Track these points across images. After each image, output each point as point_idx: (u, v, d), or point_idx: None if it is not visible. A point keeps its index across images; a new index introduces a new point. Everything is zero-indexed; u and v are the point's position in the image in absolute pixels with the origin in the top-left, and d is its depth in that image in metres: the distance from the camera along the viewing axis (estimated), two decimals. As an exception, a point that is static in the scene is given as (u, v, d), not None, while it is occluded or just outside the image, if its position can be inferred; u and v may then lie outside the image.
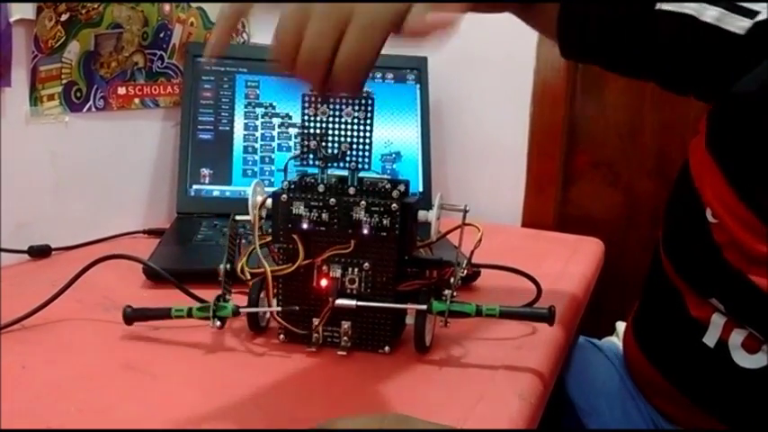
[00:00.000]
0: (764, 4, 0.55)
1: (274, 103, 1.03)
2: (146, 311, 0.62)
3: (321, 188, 0.58)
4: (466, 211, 0.60)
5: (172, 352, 0.59)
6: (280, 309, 0.59)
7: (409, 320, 0.60)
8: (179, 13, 1.02)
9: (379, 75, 1.07)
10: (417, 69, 1.08)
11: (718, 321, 0.60)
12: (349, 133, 0.57)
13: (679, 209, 0.64)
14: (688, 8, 0.59)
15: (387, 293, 0.58)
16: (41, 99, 0.83)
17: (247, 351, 0.60)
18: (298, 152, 0.59)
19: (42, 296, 0.65)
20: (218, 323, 0.59)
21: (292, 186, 0.59)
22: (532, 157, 1.20)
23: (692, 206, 0.60)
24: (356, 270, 0.58)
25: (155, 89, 1.00)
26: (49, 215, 0.86)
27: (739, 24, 0.56)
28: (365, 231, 0.57)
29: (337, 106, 0.57)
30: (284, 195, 0.58)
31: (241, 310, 0.60)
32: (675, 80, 0.65)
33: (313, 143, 0.58)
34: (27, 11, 0.78)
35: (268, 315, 0.63)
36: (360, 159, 0.58)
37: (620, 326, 0.89)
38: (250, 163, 1.02)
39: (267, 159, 1.02)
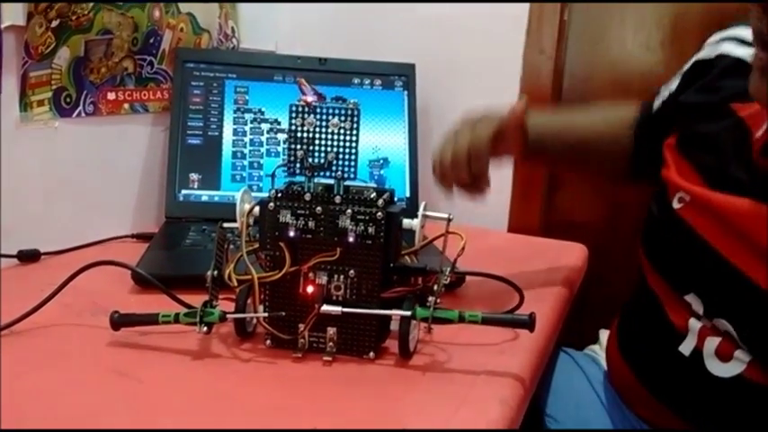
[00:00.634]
0: None
1: (263, 109, 1.04)
2: (133, 317, 0.62)
3: (308, 197, 0.59)
4: (449, 220, 0.62)
5: (159, 357, 0.60)
6: (266, 315, 0.60)
7: (394, 326, 0.62)
8: (169, 18, 1.02)
9: (367, 81, 1.08)
10: (405, 76, 1.10)
11: (694, 327, 0.62)
12: (335, 143, 0.59)
13: (651, 207, 0.72)
14: None
15: (372, 300, 0.60)
16: (31, 105, 0.83)
17: (234, 356, 0.61)
18: (285, 161, 0.60)
19: (31, 301, 0.65)
20: (205, 329, 0.60)
21: (279, 195, 0.60)
22: (518, 163, 1.21)
23: (661, 200, 0.68)
24: (342, 277, 0.60)
25: (144, 94, 1.01)
26: (39, 219, 0.87)
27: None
28: (351, 239, 0.58)
29: (324, 117, 0.58)
30: (271, 204, 0.59)
31: (228, 315, 0.61)
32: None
33: (300, 152, 0.59)
34: (17, 17, 0.79)
35: (255, 321, 0.63)
36: (346, 168, 0.59)
37: (603, 334, 0.90)
38: (239, 168, 1.03)
39: (256, 165, 1.03)
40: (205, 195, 1.01)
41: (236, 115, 1.04)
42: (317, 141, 0.59)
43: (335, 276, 0.60)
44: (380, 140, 1.07)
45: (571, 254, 1.03)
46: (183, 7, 1.05)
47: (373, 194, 0.59)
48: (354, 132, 0.58)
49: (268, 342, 0.62)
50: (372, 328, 0.60)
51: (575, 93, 1.22)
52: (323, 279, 0.60)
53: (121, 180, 1.00)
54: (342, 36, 1.25)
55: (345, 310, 0.59)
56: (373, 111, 1.07)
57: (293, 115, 0.59)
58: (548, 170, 0.84)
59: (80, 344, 0.62)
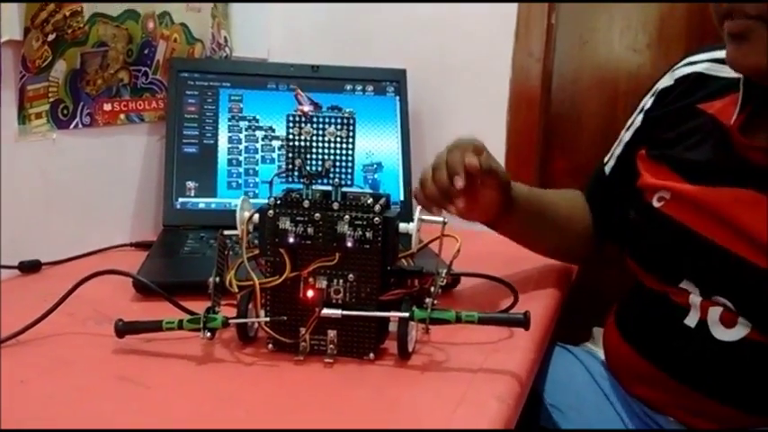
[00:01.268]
0: None
1: (257, 117, 1.06)
2: (137, 324, 0.64)
3: (306, 204, 0.60)
4: (444, 223, 0.63)
5: (164, 363, 0.62)
6: (268, 319, 0.62)
7: (392, 328, 0.63)
8: (162, 29, 1.04)
9: (359, 87, 1.10)
10: (396, 82, 1.11)
11: (695, 302, 0.67)
12: (332, 151, 0.60)
13: (629, 215, 0.78)
14: None
15: (370, 303, 0.61)
16: (29, 117, 0.85)
17: (237, 361, 0.62)
18: (282, 169, 0.62)
19: (35, 311, 0.66)
20: (209, 334, 0.62)
21: (278, 202, 0.61)
22: (510, 164, 1.23)
23: (639, 204, 0.74)
24: (341, 281, 0.61)
25: (140, 104, 1.02)
26: (39, 230, 0.88)
27: None
28: (349, 244, 0.60)
29: (321, 126, 0.60)
30: (271, 211, 0.61)
31: (230, 321, 0.62)
32: None
33: (298, 161, 0.60)
34: (15, 32, 0.80)
35: (256, 325, 0.65)
36: (342, 175, 0.61)
37: (597, 331, 0.92)
38: (234, 175, 1.04)
39: (251, 171, 1.05)
40: (202, 203, 1.02)
41: (230, 123, 1.05)
42: (314, 150, 0.60)
43: (335, 280, 0.61)
44: (374, 145, 1.08)
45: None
46: (177, 17, 1.06)
47: (370, 200, 0.61)
48: (350, 140, 0.60)
49: (270, 346, 0.63)
50: (371, 330, 0.62)
51: (563, 94, 1.24)
52: (322, 283, 0.61)
53: (119, 189, 1.01)
54: (333, 43, 1.26)
55: (345, 312, 0.61)
56: (366, 116, 1.09)
57: (290, 125, 0.60)
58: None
59: (86, 352, 0.63)
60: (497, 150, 1.21)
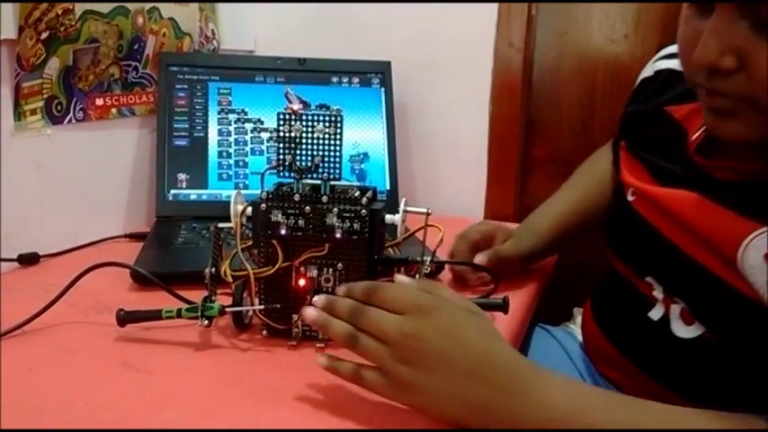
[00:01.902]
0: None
1: (246, 109, 1.09)
2: (138, 314, 0.67)
3: (297, 197, 0.64)
4: (428, 214, 0.67)
5: (164, 350, 0.65)
6: (262, 307, 0.65)
7: (380, 313, 0.67)
8: (152, 24, 1.06)
9: (345, 80, 1.13)
10: (381, 73, 1.14)
11: (659, 297, 0.70)
12: (321, 147, 0.63)
13: (612, 201, 0.80)
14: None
15: (359, 290, 0.65)
16: (25, 114, 0.87)
17: (234, 347, 0.66)
18: (273, 164, 0.65)
19: (36, 302, 0.69)
20: (206, 322, 0.65)
21: (270, 196, 0.64)
22: (492, 153, 1.27)
23: (618, 196, 0.75)
24: (330, 270, 0.65)
25: (131, 98, 1.05)
26: (36, 223, 0.91)
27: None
28: (338, 235, 0.63)
29: (310, 123, 0.63)
30: (263, 204, 0.64)
31: (227, 309, 0.66)
32: None
33: (288, 157, 0.64)
34: (9, 31, 0.83)
35: (251, 313, 0.68)
36: (331, 170, 0.64)
37: (578, 312, 0.97)
38: (225, 167, 1.07)
39: (241, 163, 1.08)
40: (193, 194, 1.05)
41: (220, 116, 1.08)
42: (303, 146, 0.64)
43: (325, 270, 0.65)
44: (360, 136, 1.12)
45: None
46: (165, 12, 1.08)
47: (357, 193, 0.65)
48: (338, 137, 0.63)
49: (264, 332, 0.67)
50: (360, 316, 0.65)
51: (544, 83, 1.28)
52: (313, 272, 0.65)
53: (112, 182, 1.04)
54: (319, 36, 1.29)
55: (335, 300, 0.64)
56: (352, 108, 1.12)
57: (281, 122, 0.63)
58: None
59: (89, 340, 0.66)
60: (480, 140, 1.25)
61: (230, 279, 0.66)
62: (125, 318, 0.67)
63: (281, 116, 0.63)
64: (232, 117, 1.08)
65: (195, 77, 1.08)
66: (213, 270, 0.67)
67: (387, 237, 0.69)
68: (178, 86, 1.07)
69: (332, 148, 0.63)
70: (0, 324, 0.67)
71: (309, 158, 0.64)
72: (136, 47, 1.04)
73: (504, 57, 1.23)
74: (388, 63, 1.15)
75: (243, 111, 1.09)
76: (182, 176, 1.05)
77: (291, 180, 0.65)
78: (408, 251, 0.71)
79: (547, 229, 0.90)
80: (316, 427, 0.53)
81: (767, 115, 0.54)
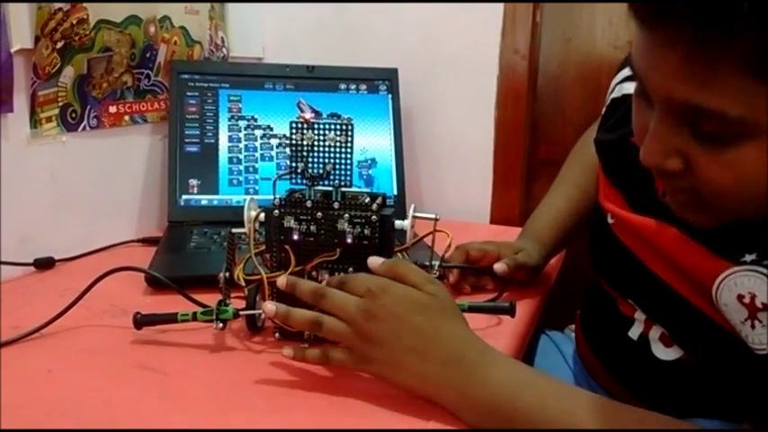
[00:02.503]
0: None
1: (256, 116, 1.11)
2: (154, 317, 0.69)
3: (309, 203, 0.65)
4: (436, 220, 0.68)
5: (180, 352, 0.67)
6: (275, 310, 0.67)
7: (389, 317, 0.68)
8: (163, 33, 1.08)
9: (353, 87, 1.14)
10: (388, 80, 1.16)
11: (640, 317, 0.70)
12: (332, 155, 0.65)
13: (593, 221, 0.79)
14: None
15: (369, 294, 0.66)
16: (40, 122, 0.89)
17: (247, 349, 0.68)
18: (285, 171, 0.67)
19: (52, 305, 0.71)
20: (221, 325, 0.67)
21: (283, 202, 0.66)
22: (498, 158, 1.28)
23: (599, 216, 0.75)
24: (341, 274, 0.66)
25: (143, 106, 1.07)
26: (51, 228, 0.93)
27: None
28: (349, 240, 0.65)
29: (321, 132, 0.65)
30: (276, 211, 0.66)
31: (240, 312, 0.67)
32: None
33: (301, 165, 0.65)
34: (26, 41, 0.85)
35: (264, 316, 0.70)
36: (342, 177, 0.66)
37: (580, 316, 0.98)
38: (235, 173, 1.09)
39: (251, 169, 1.09)
40: (204, 200, 1.07)
41: (230, 123, 1.10)
42: (315, 153, 0.65)
43: (336, 274, 0.66)
44: (367, 142, 1.13)
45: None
46: (176, 21, 1.10)
47: (367, 199, 0.66)
48: (349, 145, 0.65)
49: (277, 335, 0.68)
50: (370, 319, 0.67)
51: (548, 89, 1.29)
52: (325, 277, 0.66)
53: (125, 188, 1.06)
54: (326, 43, 1.31)
55: (346, 303, 0.66)
56: (360, 114, 1.13)
57: (294, 131, 0.65)
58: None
59: (107, 342, 0.68)
60: (486, 145, 1.27)
61: (243, 283, 0.68)
62: (142, 321, 0.68)
63: (294, 125, 0.65)
64: (242, 123, 1.10)
65: (206, 85, 1.10)
66: (227, 274, 0.69)
67: (396, 242, 0.71)
68: (189, 94, 1.09)
69: (343, 155, 0.65)
70: (17, 328, 0.69)
71: (321, 166, 0.66)
72: (148, 55, 1.06)
73: (509, 63, 1.25)
74: (395, 70, 1.17)
75: (253, 117, 1.10)
76: (193, 182, 1.07)
77: (303, 187, 0.67)
78: (417, 255, 0.73)
79: (549, 237, 0.91)
80: (328, 428, 0.55)
81: (723, 210, 0.53)
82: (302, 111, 0.64)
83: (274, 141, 1.10)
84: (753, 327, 0.56)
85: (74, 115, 0.94)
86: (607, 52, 1.24)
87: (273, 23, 1.32)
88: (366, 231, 0.65)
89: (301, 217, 0.65)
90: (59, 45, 0.89)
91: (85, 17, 0.93)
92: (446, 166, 1.30)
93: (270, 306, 0.63)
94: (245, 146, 1.10)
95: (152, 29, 1.06)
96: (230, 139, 1.09)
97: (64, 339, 0.69)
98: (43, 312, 0.70)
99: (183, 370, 0.63)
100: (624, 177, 0.71)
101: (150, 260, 0.89)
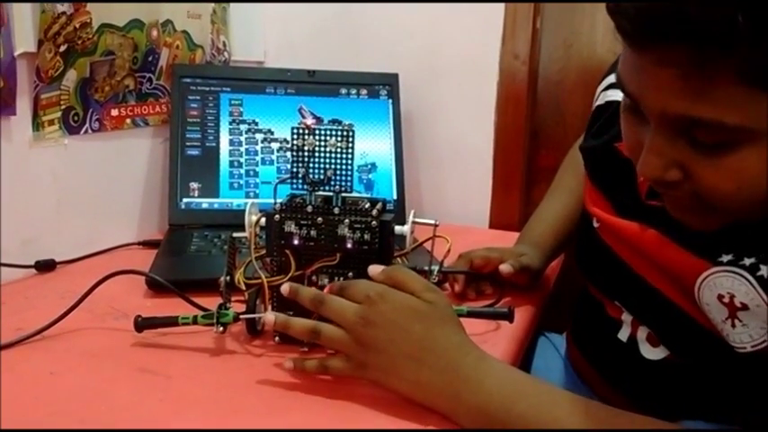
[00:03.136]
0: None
1: (257, 120, 1.11)
2: (155, 320, 0.69)
3: (309, 208, 0.66)
4: (436, 225, 0.69)
5: (181, 355, 0.67)
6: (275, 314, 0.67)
7: (389, 321, 0.69)
8: (165, 37, 1.09)
9: (353, 91, 1.15)
10: (389, 85, 1.17)
11: (627, 319, 0.71)
12: (333, 161, 0.66)
13: (580, 225, 0.80)
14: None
15: (369, 299, 0.67)
16: (43, 124, 0.90)
17: (247, 352, 0.68)
18: (286, 176, 0.67)
19: (53, 307, 0.72)
20: (221, 329, 0.67)
21: (284, 207, 0.67)
22: (498, 162, 1.29)
23: (585, 220, 0.76)
24: (341, 279, 0.67)
25: (145, 109, 1.07)
26: (53, 231, 0.93)
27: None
28: (349, 245, 0.66)
29: (322, 138, 0.65)
30: (277, 215, 0.66)
31: (241, 316, 0.68)
32: None
33: (302, 170, 0.66)
34: (29, 44, 0.85)
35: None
36: (342, 182, 0.66)
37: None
38: (236, 176, 1.09)
39: (252, 173, 1.10)
40: (205, 203, 1.08)
41: (231, 126, 1.11)
42: (316, 159, 0.66)
43: (336, 278, 0.67)
44: (368, 146, 1.14)
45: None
46: (179, 25, 1.11)
47: (368, 205, 0.67)
48: (350, 151, 0.65)
49: (276, 339, 0.69)
50: (370, 324, 0.67)
51: (548, 95, 1.30)
52: (325, 281, 0.67)
53: (127, 190, 1.06)
54: (327, 47, 1.31)
55: (346, 308, 0.66)
56: (360, 119, 1.14)
57: (295, 137, 0.65)
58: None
59: (108, 345, 0.69)
60: (485, 150, 1.28)
61: (244, 287, 0.68)
62: (143, 324, 0.69)
63: (296, 130, 0.65)
64: (243, 127, 1.11)
65: (207, 89, 1.11)
66: (228, 278, 0.69)
67: (396, 247, 0.71)
68: (191, 97, 1.10)
69: (343, 161, 0.66)
70: (19, 330, 0.69)
71: (322, 171, 0.66)
72: (150, 59, 1.06)
73: (509, 69, 1.25)
74: (396, 75, 1.18)
75: (254, 121, 1.11)
76: (194, 185, 1.07)
77: (304, 192, 0.67)
78: (417, 261, 0.73)
79: (547, 242, 0.92)
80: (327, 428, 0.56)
81: (725, 212, 0.53)
82: (304, 117, 0.65)
83: (275, 145, 1.11)
84: (733, 326, 0.57)
85: (76, 118, 0.95)
86: (607, 58, 1.25)
87: (275, 28, 1.33)
88: (366, 236, 0.65)
89: (302, 222, 0.66)
90: (62, 49, 0.90)
91: (88, 21, 0.93)
92: (446, 170, 1.30)
93: (269, 317, 0.63)
94: (246, 149, 1.10)
95: (154, 33, 1.06)
96: (231, 142, 1.10)
97: (65, 342, 0.69)
98: (45, 315, 0.71)
99: (183, 373, 0.63)
100: (608, 182, 0.72)
101: (151, 263, 0.89)
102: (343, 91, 1.15)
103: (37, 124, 0.89)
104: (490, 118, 1.27)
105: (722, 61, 0.44)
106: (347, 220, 0.65)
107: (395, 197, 1.13)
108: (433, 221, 0.69)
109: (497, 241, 0.96)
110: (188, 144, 1.08)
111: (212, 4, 1.19)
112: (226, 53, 1.24)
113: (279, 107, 1.12)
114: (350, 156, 0.65)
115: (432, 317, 0.60)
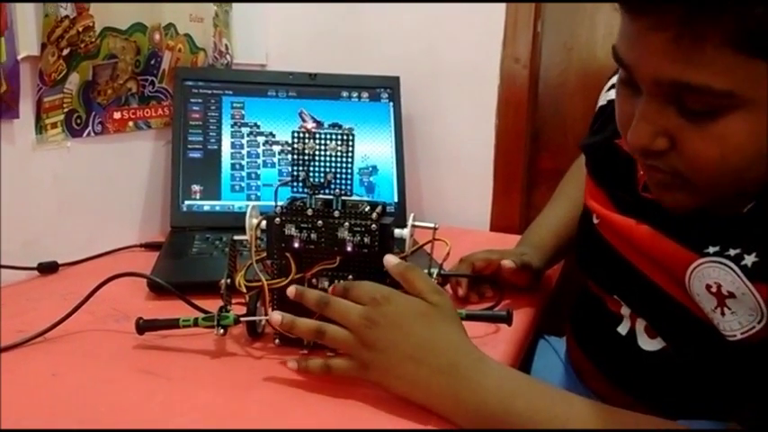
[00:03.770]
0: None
1: (259, 123, 1.12)
2: (156, 322, 0.70)
3: (310, 212, 0.66)
4: (435, 229, 0.69)
5: (182, 357, 0.68)
6: (276, 317, 0.68)
7: (388, 324, 0.69)
8: (168, 40, 1.09)
9: (355, 94, 1.16)
10: (390, 88, 1.17)
11: (626, 312, 0.73)
12: (333, 164, 0.66)
13: (581, 222, 0.81)
14: None
15: (368, 301, 0.67)
16: (46, 127, 0.90)
17: (248, 355, 0.69)
18: (286, 179, 0.68)
19: (56, 309, 0.72)
20: (222, 331, 0.68)
21: (284, 210, 0.67)
22: (498, 165, 1.29)
23: (586, 217, 0.78)
24: (341, 282, 0.67)
25: (147, 112, 1.08)
26: (55, 233, 0.93)
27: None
28: (349, 249, 0.66)
29: (323, 141, 0.66)
30: (277, 219, 0.67)
31: (241, 318, 0.68)
32: None
33: (302, 173, 0.66)
34: (32, 48, 0.86)
35: (264, 322, 0.71)
36: (342, 186, 0.67)
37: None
38: (238, 179, 1.10)
39: (254, 175, 1.10)
40: (207, 205, 1.08)
41: (233, 129, 1.11)
42: (316, 163, 0.66)
43: (336, 281, 0.67)
44: (369, 149, 1.14)
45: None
46: (181, 28, 1.12)
47: (368, 208, 0.67)
48: (350, 154, 0.66)
49: (277, 341, 0.69)
50: (369, 326, 0.68)
51: (549, 98, 1.30)
52: (325, 284, 0.67)
53: (129, 193, 1.07)
54: (328, 51, 1.32)
55: (345, 310, 0.67)
56: (361, 122, 1.14)
57: (296, 140, 0.66)
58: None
59: (109, 347, 0.69)
60: (486, 153, 1.28)
61: (244, 290, 0.69)
62: (144, 326, 0.69)
63: (296, 134, 0.66)
64: (245, 130, 1.11)
65: (209, 91, 1.11)
66: (229, 280, 0.70)
67: (396, 249, 0.71)
68: (193, 100, 1.10)
69: (344, 164, 0.66)
70: (21, 332, 0.70)
71: (322, 175, 0.66)
72: (152, 62, 1.07)
73: (510, 72, 1.26)
74: (397, 78, 1.18)
75: (255, 124, 1.12)
76: (196, 188, 1.08)
77: (304, 195, 0.68)
78: (416, 263, 0.73)
79: (548, 245, 0.93)
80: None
81: (702, 188, 0.56)
82: (304, 120, 0.65)
83: (276, 148, 1.11)
84: (723, 314, 0.59)
85: (79, 121, 0.95)
86: (607, 61, 1.23)
87: (277, 31, 1.33)
88: (366, 240, 0.66)
89: (302, 225, 0.66)
90: (65, 52, 0.90)
91: (91, 24, 0.94)
92: (447, 173, 1.31)
93: (276, 316, 0.64)
94: (248, 152, 1.11)
95: (157, 36, 1.07)
96: (233, 145, 1.11)
97: (67, 343, 0.70)
98: (47, 316, 0.71)
99: (184, 375, 0.64)
100: (608, 177, 0.74)
101: (153, 265, 0.90)
102: (345, 94, 1.15)
103: (40, 127, 0.89)
104: (491, 121, 1.27)
105: (711, 25, 0.47)
106: (347, 224, 0.66)
107: (396, 200, 1.14)
108: (432, 225, 0.69)
109: (498, 243, 0.96)
110: (190, 147, 1.09)
111: (214, 8, 1.19)
112: (228, 56, 1.25)
113: (281, 110, 1.12)
114: (350, 159, 0.66)
115: (434, 318, 0.61)
